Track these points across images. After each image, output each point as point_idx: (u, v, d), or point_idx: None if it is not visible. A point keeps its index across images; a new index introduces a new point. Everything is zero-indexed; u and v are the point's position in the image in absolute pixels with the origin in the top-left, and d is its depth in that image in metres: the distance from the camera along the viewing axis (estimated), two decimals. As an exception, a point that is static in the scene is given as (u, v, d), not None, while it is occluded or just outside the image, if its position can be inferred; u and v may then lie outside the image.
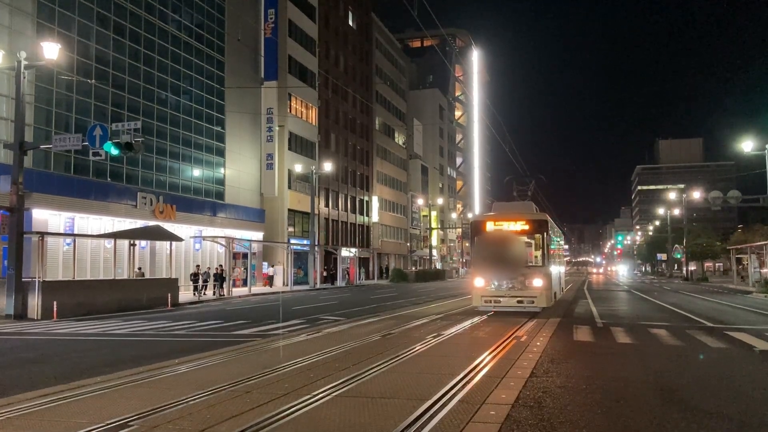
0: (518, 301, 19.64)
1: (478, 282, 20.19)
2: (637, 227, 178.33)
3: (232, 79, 48.62)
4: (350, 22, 73.43)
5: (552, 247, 21.53)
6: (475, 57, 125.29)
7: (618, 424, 6.75)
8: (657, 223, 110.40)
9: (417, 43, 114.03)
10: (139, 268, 34.11)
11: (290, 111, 55.64)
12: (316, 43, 61.60)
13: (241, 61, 50.77)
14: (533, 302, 19.56)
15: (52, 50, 22.90)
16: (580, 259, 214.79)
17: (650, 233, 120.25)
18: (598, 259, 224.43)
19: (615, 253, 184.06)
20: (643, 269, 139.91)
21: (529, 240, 20.66)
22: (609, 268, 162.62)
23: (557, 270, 25.35)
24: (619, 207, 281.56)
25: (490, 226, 20.44)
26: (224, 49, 48.04)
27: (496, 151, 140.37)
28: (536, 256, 20.31)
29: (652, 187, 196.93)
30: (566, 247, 45.71)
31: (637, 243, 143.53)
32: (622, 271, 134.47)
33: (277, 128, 53.50)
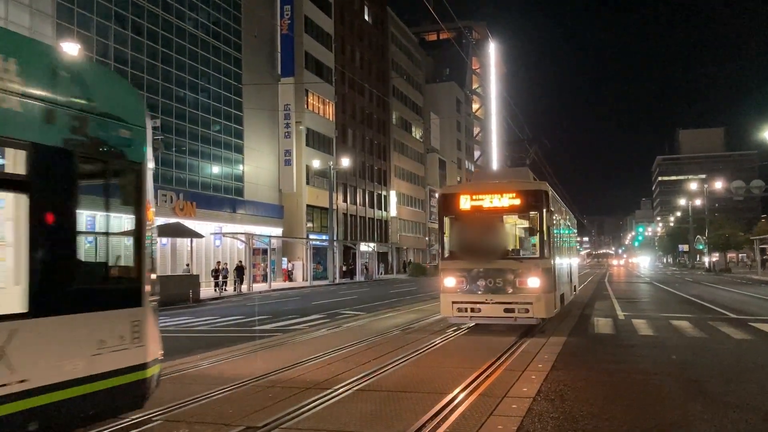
0: (506, 310, 13.38)
1: (449, 282, 13.78)
2: (658, 218, 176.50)
3: (249, 76, 48.81)
4: (366, 17, 73.35)
5: (555, 230, 15.41)
6: (492, 49, 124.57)
7: (642, 417, 6.71)
8: (678, 214, 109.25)
9: (433, 37, 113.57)
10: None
11: (307, 107, 55.75)
12: (332, 38, 61.63)
13: (258, 58, 50.95)
14: (527, 310, 13.26)
15: (71, 50, 23.14)
16: (601, 252, 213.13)
17: (671, 224, 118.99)
18: (619, 251, 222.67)
19: (636, 244, 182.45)
20: (665, 261, 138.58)
21: (521, 221, 15.35)
22: (630, 260, 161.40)
23: (565, 263, 18.31)
24: (639, 198, 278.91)
25: (465, 201, 14.09)
26: (241, 46, 48.23)
27: (514, 143, 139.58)
28: (533, 244, 14.50)
29: (673, 177, 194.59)
30: (577, 238, 36.10)
31: (658, 234, 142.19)
32: (643, 262, 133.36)
33: (294, 124, 53.65)
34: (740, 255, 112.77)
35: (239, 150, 47.77)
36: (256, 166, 50.21)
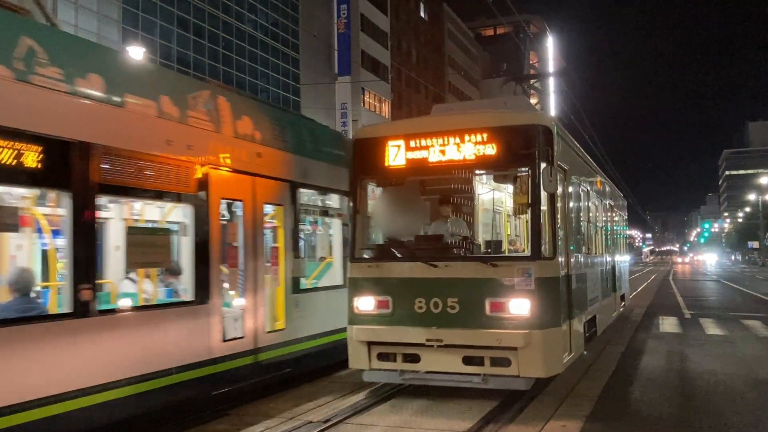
0: (467, 360, 7.17)
1: (364, 304, 7.66)
2: (725, 214, 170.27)
3: (306, 76, 49.42)
4: (421, 13, 73.20)
5: (573, 205, 8.75)
6: (550, 42, 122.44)
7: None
8: (747, 209, 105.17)
9: (490, 32, 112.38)
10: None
11: (363, 105, 56.05)
12: (388, 36, 61.75)
13: (315, 58, 51.50)
14: (508, 362, 7.00)
15: (137, 54, 23.91)
16: (664, 248, 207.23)
17: (740, 220, 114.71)
18: (684, 248, 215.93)
19: (701, 241, 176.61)
20: (733, 257, 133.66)
21: (501, 184, 8.77)
22: (695, 257, 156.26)
23: (599, 264, 11.22)
24: (704, 194, 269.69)
25: (395, 152, 7.80)
26: (298, 46, 48.88)
27: (575, 138, 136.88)
28: (531, 231, 7.40)
29: (741, 171, 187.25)
30: (625, 221, 15.93)
31: (726, 231, 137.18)
32: (709, 259, 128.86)
33: (351, 123, 54.01)
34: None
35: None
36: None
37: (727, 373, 8.98)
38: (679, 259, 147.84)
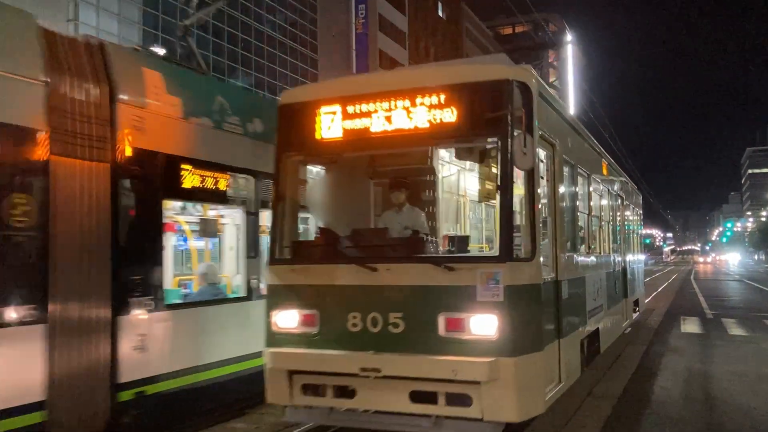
0: (416, 396, 5.21)
1: (284, 319, 5.75)
2: (748, 213, 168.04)
3: (324, 76, 49.53)
4: (440, 13, 73.08)
5: (565, 189, 6.88)
6: (569, 41, 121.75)
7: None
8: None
9: (508, 30, 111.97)
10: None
11: (382, 104, 56.04)
12: (406, 35, 61.73)
13: (333, 57, 51.63)
14: (468, 400, 5.05)
15: (158, 53, 24.13)
16: (686, 248, 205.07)
17: (763, 219, 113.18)
18: (705, 248, 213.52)
19: (723, 240, 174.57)
20: (756, 257, 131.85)
21: (468, 161, 7.04)
22: (717, 257, 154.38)
23: (603, 265, 9.43)
24: (726, 192, 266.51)
25: (328, 120, 5.78)
26: (317, 46, 49.04)
27: (594, 134, 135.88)
28: (504, 217, 5.28)
29: (765, 170, 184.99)
30: (639, 213, 13.83)
31: (749, 230, 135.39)
32: (732, 259, 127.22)
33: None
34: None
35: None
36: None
37: (751, 374, 8.87)
38: (701, 259, 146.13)
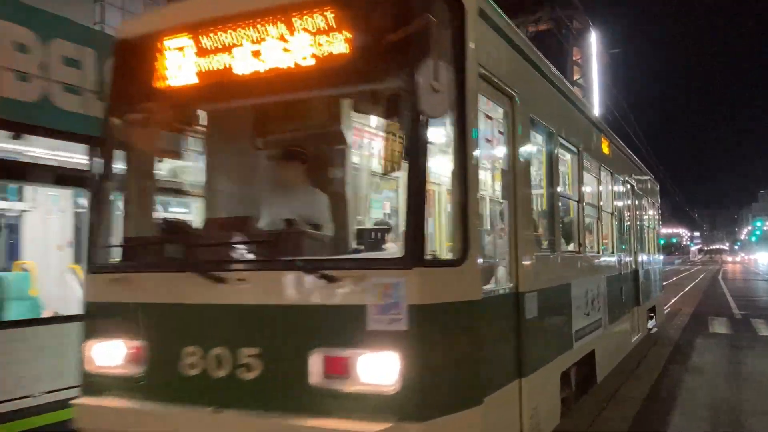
0: None
1: (103, 355, 3.93)
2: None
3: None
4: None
5: (532, 156, 5.19)
6: (594, 38, 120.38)
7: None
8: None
9: (531, 28, 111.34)
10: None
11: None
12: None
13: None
14: None
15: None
16: (714, 247, 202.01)
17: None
18: (734, 247, 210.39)
19: (753, 239, 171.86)
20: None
21: (368, 114, 5.09)
22: (747, 256, 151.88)
23: (607, 268, 8.02)
24: (756, 190, 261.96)
25: (176, 58, 3.97)
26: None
27: (619, 135, 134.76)
28: (413, 194, 3.34)
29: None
30: (656, 204, 13.81)
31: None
32: (762, 258, 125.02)
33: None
34: None
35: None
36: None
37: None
38: (729, 258, 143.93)
